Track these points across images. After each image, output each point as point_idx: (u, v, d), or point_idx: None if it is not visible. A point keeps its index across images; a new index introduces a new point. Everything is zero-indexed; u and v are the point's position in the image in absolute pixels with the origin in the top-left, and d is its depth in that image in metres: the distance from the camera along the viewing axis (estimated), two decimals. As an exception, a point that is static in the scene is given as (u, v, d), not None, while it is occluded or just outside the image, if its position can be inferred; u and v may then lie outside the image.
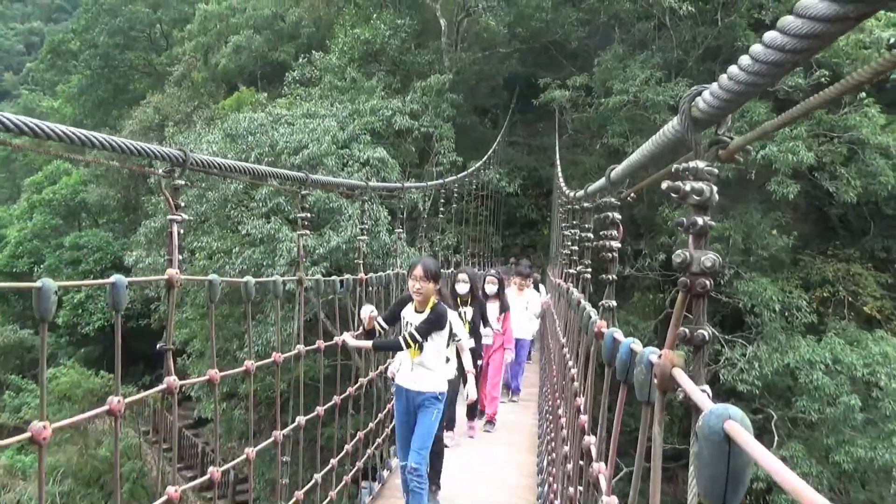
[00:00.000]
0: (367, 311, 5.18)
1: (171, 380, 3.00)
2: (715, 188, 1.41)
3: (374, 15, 21.55)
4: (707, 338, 1.40)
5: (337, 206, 14.46)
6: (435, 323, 5.04)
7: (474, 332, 7.23)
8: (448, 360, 5.42)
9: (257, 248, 14.47)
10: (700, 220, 1.40)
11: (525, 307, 9.84)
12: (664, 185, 1.44)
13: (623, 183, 2.79)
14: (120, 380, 2.72)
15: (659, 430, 1.48)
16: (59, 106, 34.74)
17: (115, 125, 28.16)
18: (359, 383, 5.93)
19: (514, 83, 23.03)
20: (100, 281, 3.09)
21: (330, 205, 14.39)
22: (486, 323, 7.67)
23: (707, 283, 1.39)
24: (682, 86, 17.48)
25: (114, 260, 24.54)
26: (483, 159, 16.95)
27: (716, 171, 1.41)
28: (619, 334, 2.30)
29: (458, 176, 14.44)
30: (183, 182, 2.93)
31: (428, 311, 5.08)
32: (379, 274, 6.46)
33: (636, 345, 2.02)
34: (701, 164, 1.40)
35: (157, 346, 3.16)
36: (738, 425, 0.97)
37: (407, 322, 5.19)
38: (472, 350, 6.20)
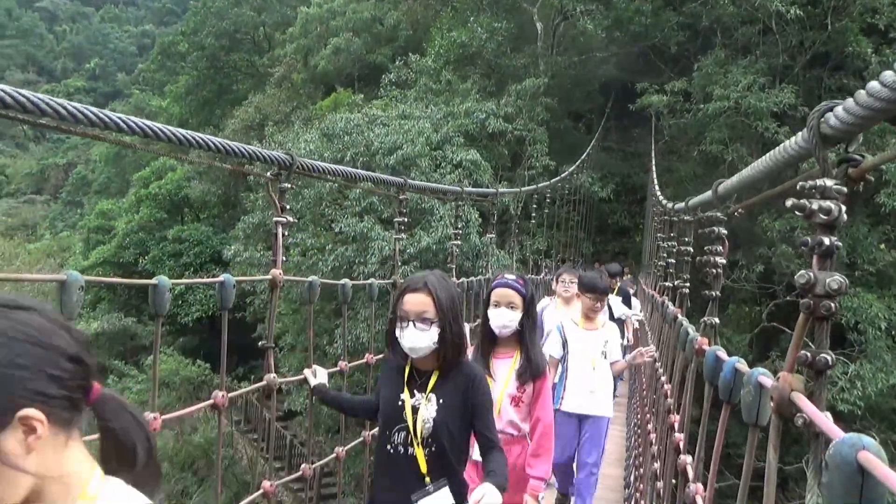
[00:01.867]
0: None
1: (271, 377, 3.08)
2: (843, 207, 1.35)
3: (471, 18, 21.63)
4: (831, 363, 1.34)
5: (429, 206, 14.58)
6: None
7: None
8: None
9: (350, 245, 14.74)
10: (827, 240, 1.34)
11: (598, 345, 5.17)
12: (789, 202, 1.39)
13: (731, 198, 2.70)
14: (224, 375, 2.81)
15: (774, 455, 1.43)
16: (166, 105, 36.31)
17: (218, 124, 29.23)
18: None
19: (609, 88, 22.70)
20: (209, 280, 3.21)
21: (422, 205, 14.53)
22: None
23: (832, 305, 1.33)
24: (787, 92, 16.85)
25: (213, 254, 25.44)
26: (576, 164, 16.77)
27: (844, 189, 1.35)
28: (722, 353, 2.24)
29: (552, 181, 14.34)
30: (289, 185, 3.01)
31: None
32: (470, 279, 6.46)
33: (741, 364, 1.96)
34: (829, 183, 1.34)
35: (260, 343, 3.26)
36: (874, 456, 0.93)
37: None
38: None
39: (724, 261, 2.66)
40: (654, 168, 16.33)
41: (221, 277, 2.68)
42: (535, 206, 12.57)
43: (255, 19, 33.29)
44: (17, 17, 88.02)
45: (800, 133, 1.53)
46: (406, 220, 4.78)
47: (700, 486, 2.44)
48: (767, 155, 1.87)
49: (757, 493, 1.65)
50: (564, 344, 5.15)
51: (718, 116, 17.52)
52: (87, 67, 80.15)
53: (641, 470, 5.38)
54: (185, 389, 19.50)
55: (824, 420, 1.21)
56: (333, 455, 3.98)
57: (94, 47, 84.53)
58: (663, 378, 4.45)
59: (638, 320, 8.40)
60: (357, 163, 15.25)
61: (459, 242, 6.66)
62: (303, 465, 3.61)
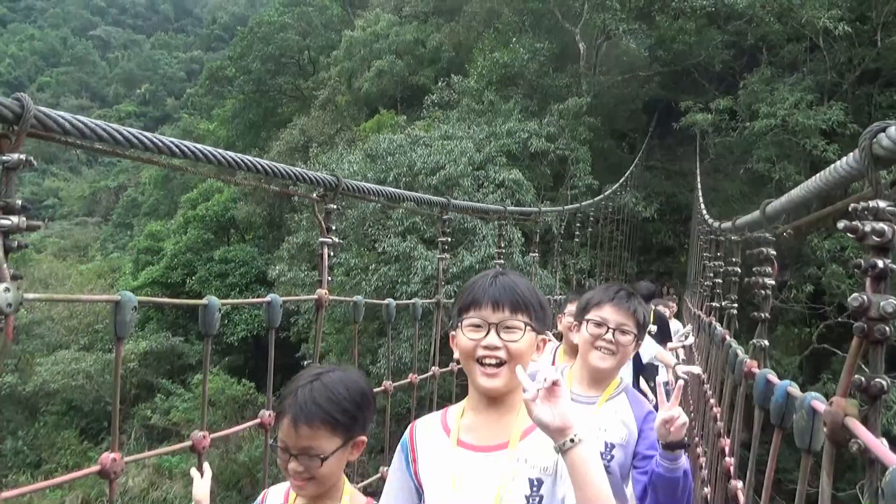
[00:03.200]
0: None
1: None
2: (899, 229, 1.32)
3: (514, 39, 21.72)
4: (886, 388, 1.31)
5: (472, 226, 14.61)
6: None
7: None
8: None
9: (392, 265, 14.83)
10: (881, 263, 1.31)
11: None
12: (841, 224, 1.37)
13: (779, 218, 2.66)
14: (271, 393, 2.84)
15: (828, 482, 1.40)
16: (214, 128, 37.04)
17: (263, 146, 29.70)
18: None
19: (653, 107, 22.56)
20: (256, 300, 3.26)
21: (465, 225, 14.55)
22: None
23: (887, 329, 1.31)
24: (836, 109, 16.55)
25: (258, 274, 25.75)
26: (620, 182, 16.66)
27: (900, 211, 1.33)
28: (772, 376, 2.20)
29: (595, 199, 14.26)
30: (335, 206, 3.05)
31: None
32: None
33: (794, 388, 1.92)
34: (882, 204, 1.32)
35: (305, 363, 3.29)
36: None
37: None
38: None
39: (772, 282, 2.62)
40: (699, 187, 16.14)
41: (268, 298, 2.73)
42: (578, 225, 12.51)
43: (300, 43, 33.84)
44: (71, 45, 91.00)
45: (851, 153, 1.51)
46: (449, 239, 4.80)
47: (751, 512, 2.39)
48: (817, 175, 1.85)
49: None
50: None
51: (765, 134, 17.27)
52: (137, 93, 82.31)
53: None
54: (230, 408, 19.69)
55: (880, 446, 1.18)
56: (378, 475, 3.98)
57: (145, 73, 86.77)
58: (712, 401, 4.38)
59: (685, 343, 7.16)
60: (400, 183, 15.36)
61: (503, 262, 6.66)
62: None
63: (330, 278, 3.03)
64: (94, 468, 2.08)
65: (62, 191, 63.61)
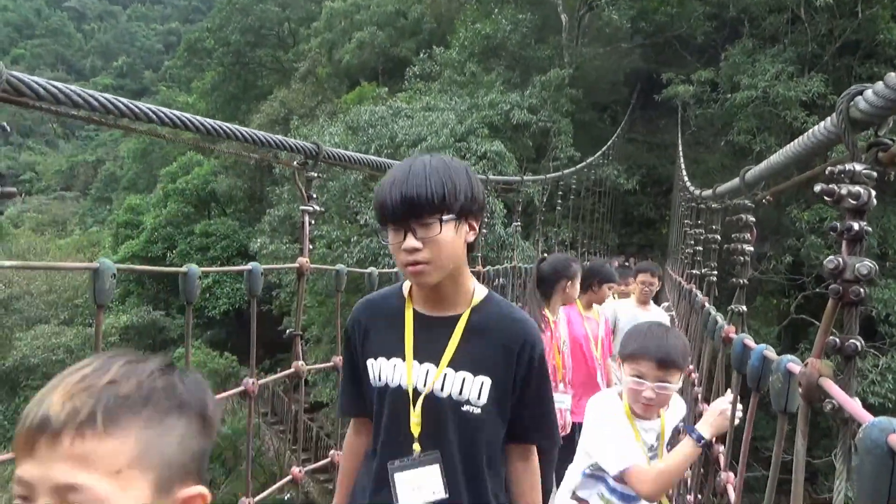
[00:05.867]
0: None
1: (300, 364, 3.11)
2: (873, 192, 1.33)
3: (496, 10, 21.58)
4: (859, 348, 1.33)
5: (453, 199, 14.58)
6: None
7: None
8: None
9: (375, 237, 14.80)
10: (856, 225, 1.33)
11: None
12: (817, 187, 1.38)
13: (758, 185, 2.68)
14: (254, 362, 2.84)
15: (802, 442, 1.42)
16: (193, 101, 36.60)
17: (243, 119, 29.40)
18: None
19: (635, 79, 22.54)
20: (237, 268, 3.25)
21: (447, 198, 14.52)
22: None
23: (861, 291, 1.32)
24: (816, 81, 16.62)
25: (239, 247, 25.65)
26: (601, 150, 16.68)
27: (874, 173, 1.34)
28: (749, 340, 2.22)
29: (577, 167, 14.28)
30: (315, 174, 3.03)
31: None
32: (496, 267, 6.47)
33: (770, 352, 1.95)
34: (858, 167, 1.33)
35: (287, 332, 3.29)
36: (905, 439, 0.93)
37: None
38: None
39: (751, 248, 2.64)
40: (681, 156, 16.20)
41: (249, 265, 2.72)
42: (559, 197, 12.52)
43: (280, 15, 33.44)
44: (46, 16, 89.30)
45: (829, 118, 1.52)
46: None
47: (731, 474, 2.43)
48: (796, 141, 1.86)
49: (785, 486, 1.64)
50: None
51: (746, 106, 17.33)
52: (115, 65, 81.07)
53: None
54: (212, 381, 19.61)
55: (853, 405, 1.20)
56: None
57: (122, 45, 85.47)
58: (691, 366, 4.43)
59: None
60: (382, 155, 15.28)
61: (486, 231, 6.67)
62: (332, 451, 3.64)
63: (312, 247, 3.02)
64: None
65: (39, 165, 62.76)
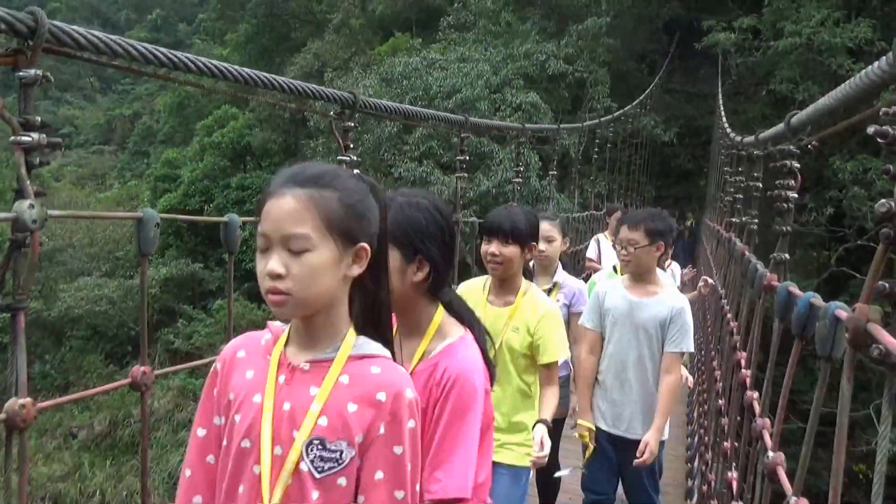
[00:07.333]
0: None
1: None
2: (929, 132, 1.30)
3: (532, -44, 21.11)
4: (910, 293, 1.31)
5: (489, 150, 14.50)
6: None
7: None
8: None
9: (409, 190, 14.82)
10: (909, 167, 1.30)
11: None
12: (870, 129, 1.34)
13: (804, 130, 2.61)
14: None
15: (848, 387, 1.41)
16: (227, 54, 36.51)
17: (277, 72, 29.25)
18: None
19: (674, 27, 22.01)
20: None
21: (482, 149, 14.44)
22: None
23: (913, 234, 1.30)
24: (863, 26, 16.06)
25: (275, 200, 25.79)
26: (638, 100, 16.40)
27: (931, 113, 1.30)
28: (794, 288, 2.20)
29: (613, 115, 14.08)
30: (353, 124, 3.03)
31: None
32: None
33: (816, 299, 1.93)
34: (914, 106, 1.29)
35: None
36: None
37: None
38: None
39: (795, 195, 2.59)
40: (720, 104, 15.86)
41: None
42: (596, 149, 12.38)
43: (313, -36, 33.09)
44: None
45: (883, 57, 1.47)
46: (467, 158, 4.77)
47: (767, 420, 2.42)
48: (846, 83, 1.81)
49: (820, 437, 1.62)
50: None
51: (789, 54, 16.81)
52: (149, 19, 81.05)
53: (706, 406, 5.36)
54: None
55: (902, 348, 1.19)
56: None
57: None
58: (729, 315, 4.40)
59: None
60: (416, 106, 15.22)
61: (521, 181, 6.62)
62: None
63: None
64: (126, 381, 2.13)
65: (78, 119, 63.35)
